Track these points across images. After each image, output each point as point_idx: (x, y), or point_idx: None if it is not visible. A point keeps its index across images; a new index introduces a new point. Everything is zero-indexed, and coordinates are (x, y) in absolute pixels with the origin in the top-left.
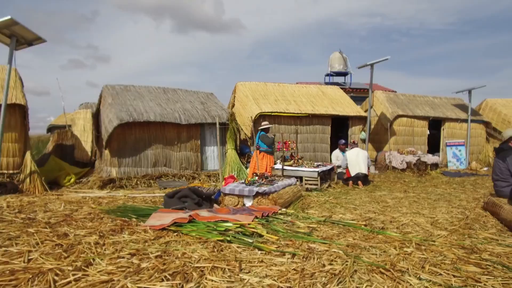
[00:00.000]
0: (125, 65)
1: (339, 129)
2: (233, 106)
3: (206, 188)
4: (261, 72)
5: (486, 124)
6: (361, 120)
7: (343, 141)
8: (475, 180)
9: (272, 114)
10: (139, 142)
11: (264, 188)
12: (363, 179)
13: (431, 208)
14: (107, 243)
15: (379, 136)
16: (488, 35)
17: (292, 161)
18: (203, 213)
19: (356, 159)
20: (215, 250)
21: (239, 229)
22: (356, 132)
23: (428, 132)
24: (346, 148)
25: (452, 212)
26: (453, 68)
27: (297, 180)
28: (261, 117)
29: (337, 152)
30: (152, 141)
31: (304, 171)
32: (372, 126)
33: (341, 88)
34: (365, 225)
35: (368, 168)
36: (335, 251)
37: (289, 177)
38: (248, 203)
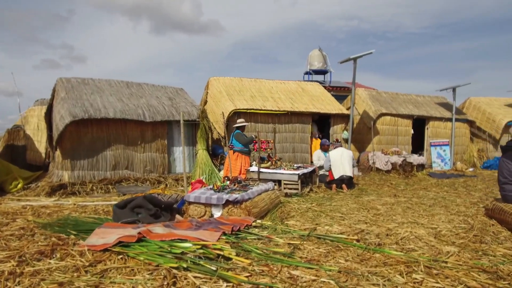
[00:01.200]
0: (101, 66)
1: (320, 128)
2: (205, 103)
3: (167, 196)
4: (240, 74)
5: (470, 123)
6: (343, 118)
7: (327, 141)
8: (465, 182)
9: (248, 111)
10: (96, 142)
11: (235, 196)
12: (348, 182)
13: (429, 216)
14: (26, 272)
15: (361, 136)
16: (461, 39)
17: (269, 163)
18: (157, 229)
19: (340, 160)
20: (166, 282)
21: (201, 251)
22: (338, 131)
23: (412, 131)
24: (330, 149)
25: (454, 221)
26: (429, 70)
27: (275, 184)
28: (236, 114)
29: (318, 152)
30: (111, 141)
31: (283, 174)
32: (354, 125)
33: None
34: (358, 241)
35: (354, 169)
36: (324, 281)
37: (266, 181)
38: (217, 213)
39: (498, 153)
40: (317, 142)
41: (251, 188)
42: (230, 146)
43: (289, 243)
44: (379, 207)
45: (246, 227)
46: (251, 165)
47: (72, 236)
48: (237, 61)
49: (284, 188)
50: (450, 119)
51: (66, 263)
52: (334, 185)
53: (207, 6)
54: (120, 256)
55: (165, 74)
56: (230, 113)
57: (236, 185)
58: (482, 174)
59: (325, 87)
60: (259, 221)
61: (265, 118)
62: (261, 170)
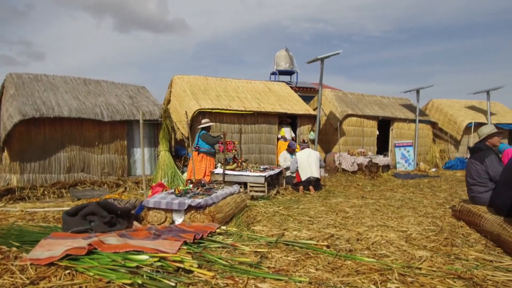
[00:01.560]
0: (61, 64)
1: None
2: (169, 102)
3: (125, 201)
4: (206, 74)
5: (433, 124)
6: (310, 119)
7: (295, 144)
8: (429, 182)
9: (213, 111)
10: (49, 142)
11: (198, 200)
12: (315, 183)
13: (398, 218)
14: None
15: (328, 137)
16: (421, 43)
17: (235, 165)
18: (111, 239)
19: (307, 161)
20: None
21: (159, 264)
22: (305, 132)
23: (377, 132)
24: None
25: (423, 223)
26: (391, 73)
27: (241, 187)
28: (200, 114)
29: (285, 153)
30: (66, 142)
31: (249, 176)
32: (321, 126)
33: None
34: (328, 247)
35: (321, 170)
36: None
37: (232, 183)
38: (179, 219)
39: (459, 154)
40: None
41: (216, 192)
42: (196, 148)
43: (255, 251)
44: (348, 210)
45: (210, 235)
46: (216, 167)
47: (15, 249)
48: (203, 61)
49: (250, 191)
50: (414, 121)
51: (3, 282)
52: (301, 187)
53: (173, 5)
54: (68, 271)
55: (129, 73)
56: (194, 112)
57: (199, 189)
58: (445, 174)
59: (291, 87)
60: (223, 227)
61: (231, 118)
62: (227, 172)
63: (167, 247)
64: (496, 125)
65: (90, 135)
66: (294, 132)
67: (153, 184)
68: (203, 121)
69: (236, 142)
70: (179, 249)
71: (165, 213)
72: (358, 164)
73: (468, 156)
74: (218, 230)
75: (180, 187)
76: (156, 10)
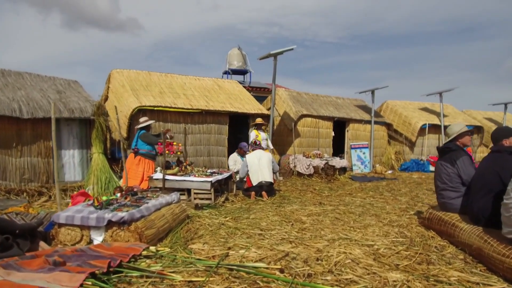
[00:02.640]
0: (3, 61)
1: (238, 129)
2: (106, 99)
3: (31, 216)
4: None
5: (388, 125)
6: (263, 119)
7: (246, 144)
8: (388, 185)
9: (155, 109)
10: None
11: (121, 214)
12: (268, 188)
13: (361, 229)
14: None
15: (282, 138)
16: (372, 49)
17: (176, 169)
18: None
19: (258, 164)
20: None
21: None
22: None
23: (333, 133)
24: (247, 152)
25: (390, 234)
26: (343, 78)
27: (184, 193)
28: (141, 112)
29: (235, 156)
30: None
31: (193, 181)
32: (275, 127)
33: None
34: (282, 271)
35: (275, 174)
36: None
37: (172, 190)
38: (98, 238)
39: (414, 156)
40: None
41: (147, 202)
42: (134, 149)
43: (189, 281)
44: (304, 219)
45: (133, 259)
46: (155, 172)
47: None
48: (157, 61)
49: (195, 199)
50: (369, 122)
51: None
52: (253, 193)
53: (125, 3)
54: None
55: (79, 71)
56: (133, 110)
57: (128, 199)
58: (401, 176)
59: (245, 87)
60: (152, 248)
61: (176, 117)
62: (167, 177)
63: (65, 283)
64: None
65: (6, 134)
66: (245, 132)
67: (74, 193)
68: (141, 119)
69: (180, 144)
70: (82, 284)
71: (80, 231)
72: (314, 167)
73: (424, 158)
74: (145, 252)
75: (103, 197)
76: (107, 8)
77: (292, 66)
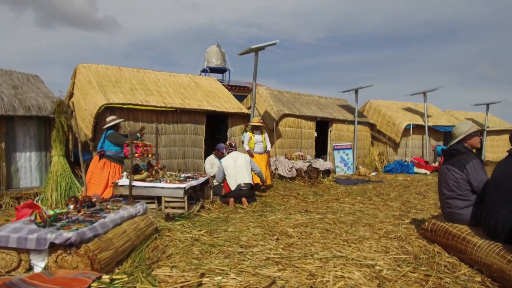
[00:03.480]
0: None
1: (216, 129)
2: (71, 96)
3: None
4: None
5: (371, 126)
6: (243, 118)
7: (223, 146)
8: (375, 188)
9: (125, 106)
10: None
11: (67, 235)
12: (248, 193)
13: (356, 243)
14: None
15: None
16: (351, 51)
17: (145, 174)
18: None
19: (235, 167)
20: None
21: None
22: (237, 133)
23: (316, 134)
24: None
25: (389, 249)
26: (323, 79)
27: (154, 202)
28: (108, 110)
29: (212, 158)
30: None
31: (163, 188)
32: None
33: None
34: None
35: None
36: None
37: (144, 198)
38: (40, 263)
39: (398, 157)
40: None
41: (105, 217)
42: (100, 152)
43: None
44: (291, 232)
45: None
46: (122, 177)
47: None
48: (135, 61)
49: (166, 208)
50: (352, 122)
51: None
52: (231, 200)
53: (102, 1)
54: None
55: (54, 70)
56: (100, 108)
57: (81, 212)
58: (386, 178)
59: (223, 85)
60: (106, 276)
61: (148, 116)
62: (134, 183)
63: None
64: (432, 127)
65: None
66: (224, 132)
67: (21, 204)
68: (108, 119)
69: (151, 145)
70: None
71: (18, 255)
72: (296, 170)
73: (408, 159)
74: (95, 285)
75: (50, 211)
76: (83, 6)
77: (271, 67)
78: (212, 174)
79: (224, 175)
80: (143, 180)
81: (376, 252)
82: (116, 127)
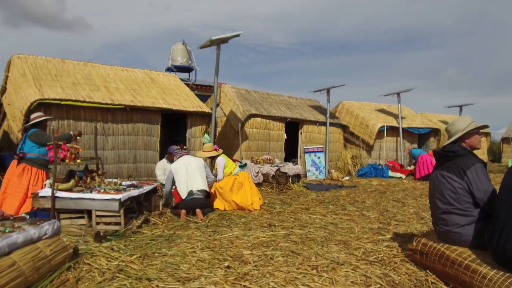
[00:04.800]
0: None
1: (175, 130)
2: (4, 91)
3: None
4: None
5: (344, 128)
6: (204, 118)
7: (175, 147)
8: (349, 195)
9: (63, 103)
10: None
11: None
12: (202, 203)
13: (328, 270)
14: None
15: (228, 141)
16: (323, 56)
17: (72, 182)
18: None
19: (186, 171)
20: None
21: None
22: (197, 135)
23: (285, 136)
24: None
25: (370, 279)
26: (295, 83)
27: (84, 217)
28: (43, 107)
29: (163, 163)
30: None
31: (94, 199)
32: (219, 128)
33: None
34: None
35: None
36: None
37: (66, 213)
38: None
39: (372, 160)
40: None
41: None
42: (19, 155)
43: None
44: (247, 255)
45: None
46: (45, 185)
47: None
48: (105, 63)
49: (98, 224)
50: (324, 123)
51: None
52: (183, 211)
53: (71, 1)
54: None
55: None
56: (31, 104)
57: None
58: (360, 183)
59: (188, 85)
60: None
61: (92, 114)
62: (58, 194)
63: None
64: (407, 129)
65: None
66: (183, 133)
67: None
68: (32, 115)
69: (79, 148)
70: None
71: None
72: (263, 175)
73: (382, 162)
74: None
75: None
76: (52, 5)
77: (244, 71)
78: (164, 182)
79: (174, 182)
80: (69, 189)
81: (355, 284)
82: (42, 126)
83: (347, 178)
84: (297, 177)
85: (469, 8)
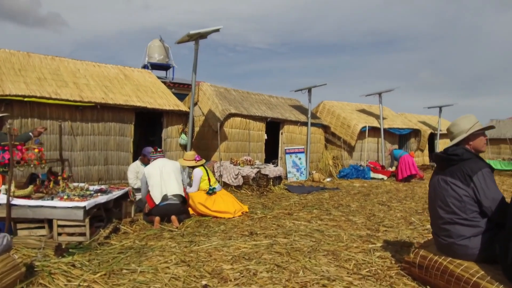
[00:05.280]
0: None
1: (150, 130)
2: None
3: None
4: None
5: (325, 128)
6: (181, 117)
7: (150, 149)
8: (332, 198)
9: (26, 99)
10: None
11: None
12: (179, 208)
13: (318, 285)
14: None
15: (206, 141)
16: (301, 57)
17: (30, 188)
18: None
19: (161, 175)
20: None
21: None
22: (173, 135)
23: (266, 136)
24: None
25: None
26: (274, 84)
27: (44, 226)
28: (3, 104)
29: (137, 165)
30: None
31: (55, 207)
32: (197, 128)
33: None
34: None
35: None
36: None
37: (24, 223)
38: None
39: (353, 161)
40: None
41: None
42: None
43: None
44: (227, 270)
45: None
46: None
47: None
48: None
49: (60, 234)
50: (305, 123)
51: None
52: (156, 218)
53: None
54: None
55: None
56: None
57: None
58: (342, 185)
59: (165, 83)
60: None
61: (59, 112)
62: (15, 201)
63: None
64: (388, 130)
65: None
66: (159, 133)
67: None
68: None
69: (40, 149)
70: None
71: None
72: (243, 177)
73: (363, 163)
74: None
75: None
76: (25, 1)
77: (222, 71)
78: (136, 186)
79: (148, 186)
80: (27, 196)
81: None
82: None
83: (328, 179)
84: (278, 179)
85: (443, 12)
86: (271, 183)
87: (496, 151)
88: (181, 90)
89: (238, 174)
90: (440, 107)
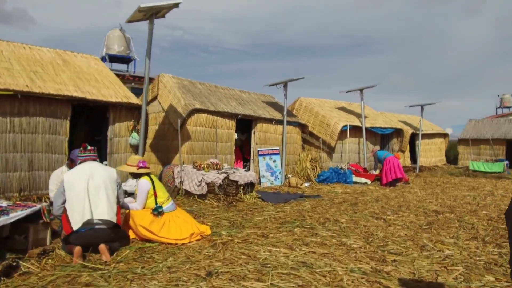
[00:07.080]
0: None
1: (95, 128)
2: None
3: None
4: None
5: (302, 127)
6: (133, 112)
7: (77, 151)
8: (315, 209)
9: None
10: None
11: None
12: (108, 235)
13: None
14: None
15: (166, 142)
16: (274, 58)
17: None
18: None
19: (86, 187)
20: None
21: None
22: (122, 133)
23: (236, 136)
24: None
25: None
26: (247, 84)
27: None
28: None
29: (61, 171)
30: None
31: None
32: (157, 126)
33: (119, 76)
34: None
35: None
36: None
37: None
38: None
39: (333, 163)
40: None
41: None
42: None
43: None
44: None
45: None
46: None
47: None
48: None
49: None
50: (280, 122)
51: None
52: (76, 249)
53: None
54: None
55: None
56: None
57: None
58: (323, 190)
59: (124, 76)
60: None
61: None
62: None
63: None
64: (370, 129)
65: None
66: (105, 132)
67: None
68: None
69: None
70: None
71: None
72: (208, 184)
73: (344, 166)
74: None
75: None
76: None
77: (194, 71)
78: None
79: (64, 202)
80: None
81: None
82: None
83: (306, 184)
84: (250, 185)
85: (413, 17)
86: (242, 191)
87: (476, 152)
88: (141, 84)
89: (201, 180)
90: (422, 106)
